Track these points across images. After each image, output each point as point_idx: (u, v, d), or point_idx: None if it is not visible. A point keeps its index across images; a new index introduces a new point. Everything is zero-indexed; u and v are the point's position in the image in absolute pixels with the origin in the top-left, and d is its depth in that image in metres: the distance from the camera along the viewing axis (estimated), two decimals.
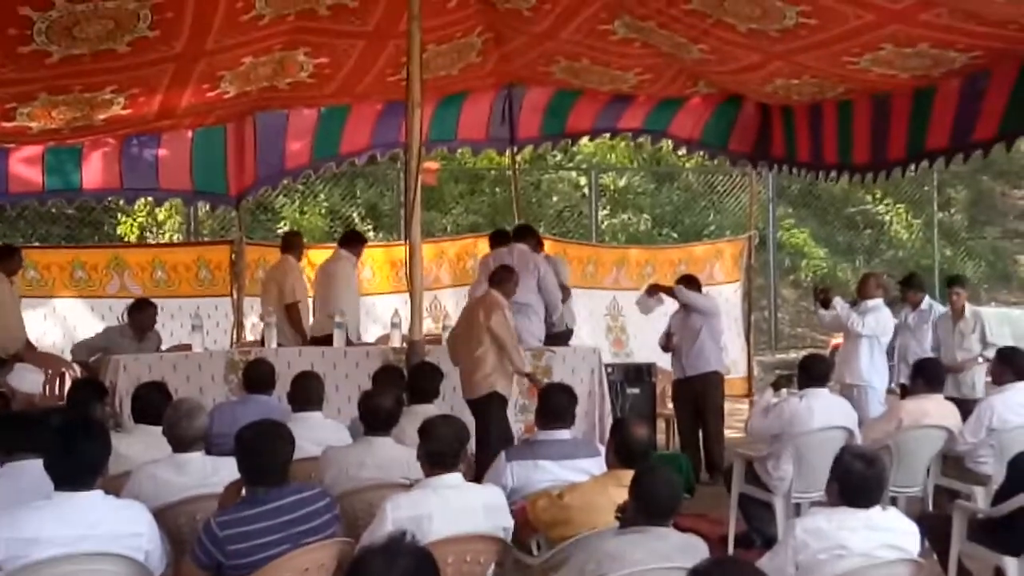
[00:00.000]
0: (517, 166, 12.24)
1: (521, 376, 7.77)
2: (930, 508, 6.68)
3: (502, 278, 7.82)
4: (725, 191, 18.94)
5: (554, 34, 8.43)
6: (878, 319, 8.81)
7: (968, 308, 9.23)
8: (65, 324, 9.95)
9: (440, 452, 4.34)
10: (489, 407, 7.44)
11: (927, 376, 6.89)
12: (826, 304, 9.07)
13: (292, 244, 9.81)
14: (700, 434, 8.99)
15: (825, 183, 13.97)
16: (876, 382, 8.75)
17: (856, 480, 4.08)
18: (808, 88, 8.91)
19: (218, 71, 7.91)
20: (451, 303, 11.80)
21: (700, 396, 8.92)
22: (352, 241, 9.80)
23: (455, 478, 4.32)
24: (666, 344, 9.17)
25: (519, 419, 8.14)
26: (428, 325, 10.42)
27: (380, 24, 7.74)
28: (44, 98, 7.47)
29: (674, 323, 9.16)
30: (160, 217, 15.96)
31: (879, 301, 8.96)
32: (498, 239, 9.58)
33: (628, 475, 4.30)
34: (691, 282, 9.35)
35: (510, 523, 4.41)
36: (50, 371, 8.66)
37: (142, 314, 8.50)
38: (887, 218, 21.38)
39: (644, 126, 11.09)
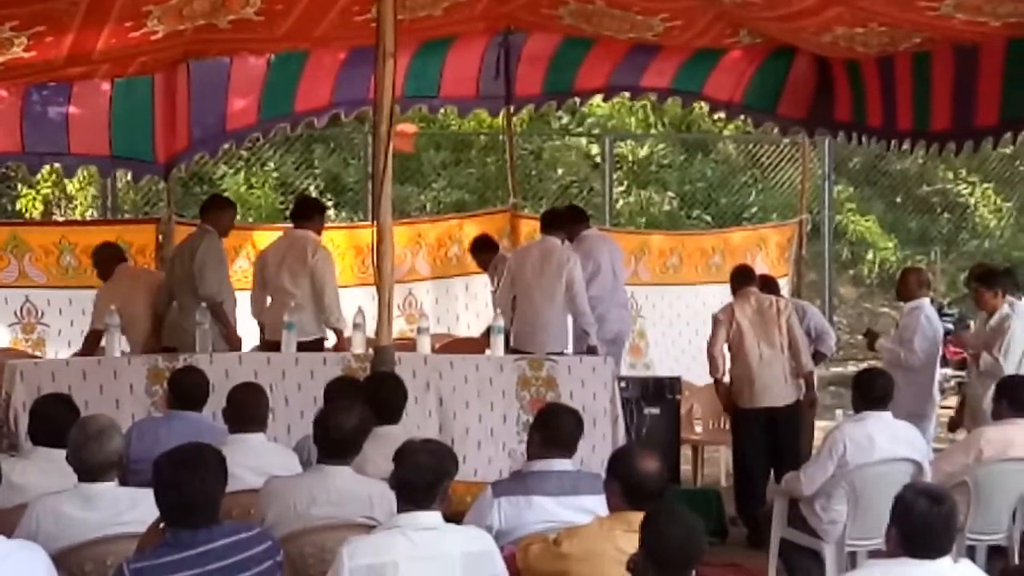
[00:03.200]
0: (513, 130, 12.25)
1: None
2: (1015, 560, 6.69)
3: None
4: (771, 164, 18.93)
5: None
6: (924, 335, 8.85)
7: None
8: None
9: (410, 483, 4.33)
10: None
11: (1013, 397, 6.89)
12: (872, 347, 9.21)
13: (218, 213, 9.36)
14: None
15: (896, 155, 13.93)
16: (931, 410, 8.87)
17: (919, 523, 4.08)
18: (876, 38, 8.90)
19: (144, 5, 7.87)
20: (429, 300, 11.80)
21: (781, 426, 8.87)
22: (310, 213, 9.63)
23: (431, 518, 4.32)
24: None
25: (522, 439, 8.10)
26: (400, 326, 10.42)
27: None
28: None
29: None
30: (70, 189, 15.93)
31: (922, 302, 9.01)
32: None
33: (639, 518, 4.30)
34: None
35: (500, 571, 4.41)
36: None
37: None
38: (971, 200, 21.38)
39: (673, 85, 11.10)
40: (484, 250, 10.83)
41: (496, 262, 10.47)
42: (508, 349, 8.78)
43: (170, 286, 9.11)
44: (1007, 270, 10.25)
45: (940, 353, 9.28)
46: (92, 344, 8.94)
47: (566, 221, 9.87)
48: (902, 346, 8.93)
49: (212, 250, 8.90)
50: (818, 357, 9.07)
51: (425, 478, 4.33)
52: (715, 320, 9.01)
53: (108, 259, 9.58)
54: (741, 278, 9.17)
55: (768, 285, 9.48)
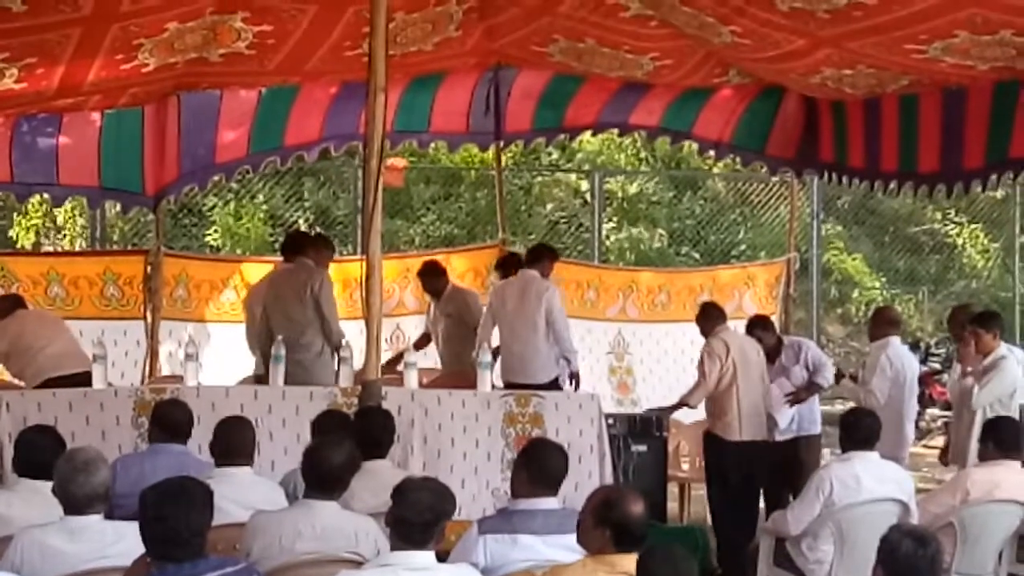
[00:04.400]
0: (503, 165, 12.28)
1: None
2: None
3: None
4: (760, 203, 19.03)
5: (552, 7, 8.47)
6: (883, 374, 8.89)
7: None
8: None
9: (408, 521, 4.32)
10: None
11: (1000, 438, 6.90)
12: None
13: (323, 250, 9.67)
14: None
15: (883, 196, 13.98)
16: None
17: (904, 564, 4.10)
18: (864, 80, 8.95)
19: (135, 38, 7.90)
20: (416, 334, 11.80)
21: (792, 462, 8.93)
22: (307, 246, 9.57)
23: (424, 558, 4.32)
24: None
25: (507, 477, 8.07)
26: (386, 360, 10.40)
27: None
28: None
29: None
30: (60, 219, 15.93)
31: (888, 340, 9.06)
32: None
33: (623, 560, 4.31)
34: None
35: None
36: None
37: None
38: (959, 241, 21.46)
39: (662, 124, 11.15)
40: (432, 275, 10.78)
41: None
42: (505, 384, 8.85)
43: (270, 322, 9.14)
44: (995, 313, 10.28)
45: (910, 391, 9.23)
46: None
47: (545, 256, 10.01)
48: (861, 387, 8.97)
49: (329, 289, 9.17)
50: (814, 388, 9.07)
51: (424, 516, 4.32)
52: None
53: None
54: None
55: (763, 324, 9.43)
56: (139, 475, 5.85)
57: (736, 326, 10.16)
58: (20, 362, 9.04)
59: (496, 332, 9.79)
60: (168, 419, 6.48)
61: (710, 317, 9.27)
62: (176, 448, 6.32)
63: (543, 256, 10.00)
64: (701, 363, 8.99)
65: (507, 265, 10.56)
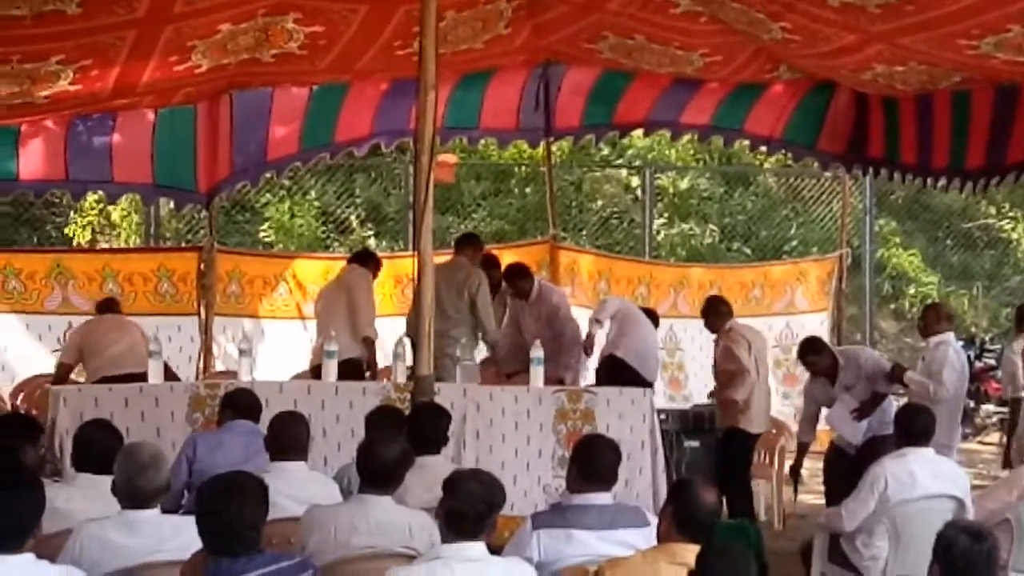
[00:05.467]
0: (553, 161, 12.28)
1: None
2: None
3: None
4: (812, 198, 18.92)
5: (602, 4, 8.46)
6: (952, 368, 8.80)
7: None
8: None
9: (460, 513, 4.33)
10: None
11: None
12: (900, 382, 9.08)
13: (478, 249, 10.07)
14: None
15: (938, 190, 13.90)
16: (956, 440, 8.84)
17: (961, 561, 4.08)
18: (915, 76, 8.90)
19: (189, 40, 7.97)
20: None
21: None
22: (367, 259, 10.04)
23: (476, 550, 4.32)
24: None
25: (558, 474, 8.14)
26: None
27: None
28: None
29: (822, 393, 8.92)
30: (114, 216, 16.08)
31: (947, 336, 8.97)
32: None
33: (685, 550, 4.31)
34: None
35: None
36: None
37: None
38: (1013, 236, 21.27)
39: (714, 122, 11.13)
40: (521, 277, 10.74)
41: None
42: None
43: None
44: None
45: (966, 386, 9.19)
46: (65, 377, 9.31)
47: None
48: (931, 379, 8.88)
49: (487, 289, 9.50)
50: (878, 399, 8.90)
51: (476, 508, 4.32)
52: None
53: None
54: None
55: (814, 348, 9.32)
56: (216, 444, 6.09)
57: (789, 322, 10.18)
58: (90, 362, 9.24)
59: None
60: (240, 402, 6.72)
61: (720, 314, 9.45)
62: (249, 424, 6.49)
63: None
64: (731, 357, 9.02)
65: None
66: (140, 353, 9.19)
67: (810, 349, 8.99)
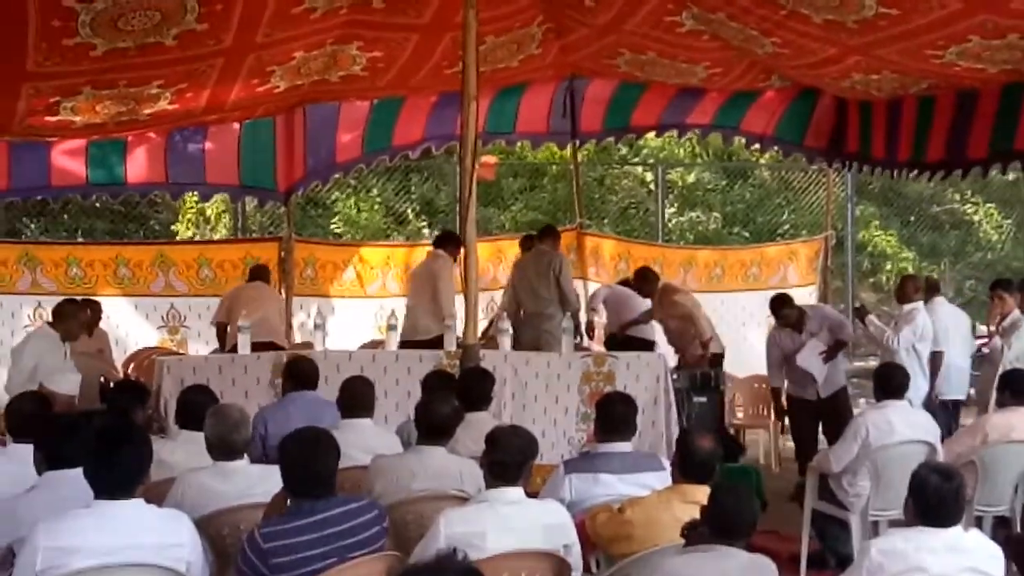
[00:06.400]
0: (579, 160, 12.25)
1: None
2: (1018, 529, 6.59)
3: None
4: (801, 188, 18.80)
5: (618, 26, 8.41)
6: (913, 328, 8.76)
7: None
8: (108, 323, 10.09)
9: (503, 463, 4.34)
10: None
11: (1015, 388, 6.80)
12: (862, 320, 9.10)
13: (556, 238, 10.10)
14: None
15: (908, 180, 13.81)
16: (913, 394, 8.73)
17: (932, 496, 4.06)
18: (889, 83, 8.81)
19: (268, 65, 8.00)
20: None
21: (832, 414, 8.71)
22: (449, 241, 9.87)
23: (516, 493, 4.33)
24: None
25: (580, 428, 8.15)
26: (484, 327, 10.46)
27: (436, 16, 7.77)
28: (88, 92, 7.58)
29: (790, 342, 8.90)
30: (209, 213, 16.19)
31: (916, 305, 8.94)
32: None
33: (694, 490, 4.32)
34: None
35: (573, 539, 4.41)
36: (102, 377, 8.83)
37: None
38: (975, 218, 21.09)
39: (714, 122, 11.04)
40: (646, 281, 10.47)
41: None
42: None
43: (519, 296, 9.71)
44: (1002, 279, 10.14)
45: (928, 344, 9.08)
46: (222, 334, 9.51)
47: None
48: (892, 329, 8.85)
49: (568, 268, 9.75)
50: (840, 344, 8.89)
51: (515, 458, 4.34)
52: None
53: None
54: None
55: (785, 301, 9.23)
56: (285, 419, 5.99)
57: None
58: (231, 326, 9.22)
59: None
60: (299, 371, 6.64)
61: (649, 280, 10.02)
62: (308, 394, 6.44)
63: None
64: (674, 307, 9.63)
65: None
66: (271, 325, 9.24)
67: (783, 303, 8.99)
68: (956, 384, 9.32)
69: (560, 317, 9.03)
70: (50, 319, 8.22)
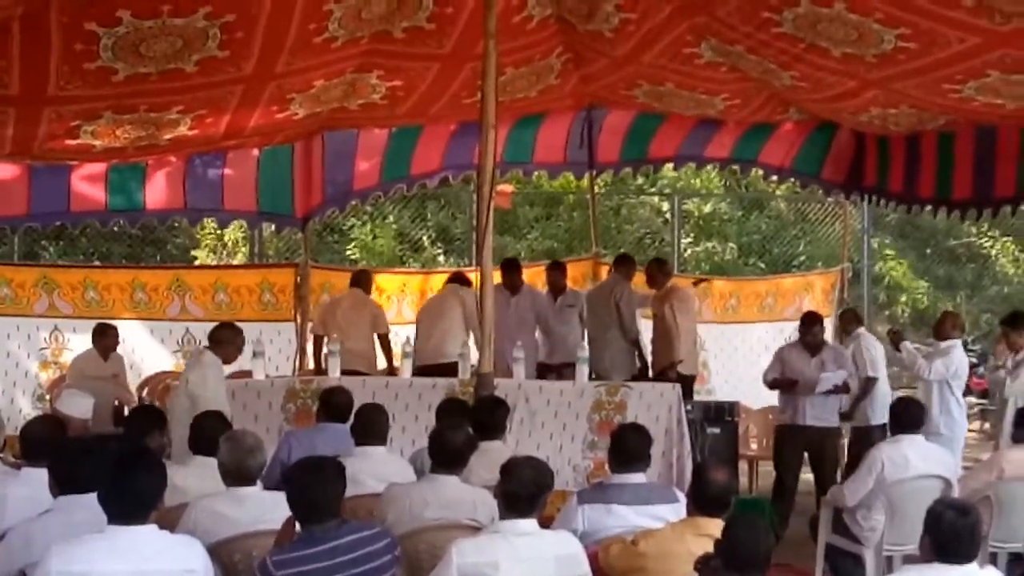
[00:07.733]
0: (596, 190, 12.26)
1: None
2: None
3: None
4: (817, 220, 18.78)
5: (637, 57, 8.43)
6: (948, 363, 8.76)
7: None
8: (123, 347, 10.11)
9: (515, 494, 4.33)
10: None
11: None
12: (896, 346, 9.08)
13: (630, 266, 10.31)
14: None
15: (923, 214, 13.82)
16: (946, 429, 8.64)
17: (947, 532, 4.02)
18: (906, 118, 8.81)
19: (288, 93, 8.03)
20: None
21: (818, 447, 8.64)
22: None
23: (529, 525, 4.31)
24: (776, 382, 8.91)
25: (587, 456, 8.14)
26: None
27: (457, 46, 7.80)
28: (109, 116, 7.61)
29: (800, 361, 8.78)
30: (226, 238, 16.25)
31: (954, 343, 8.94)
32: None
33: (708, 523, 4.30)
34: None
35: (586, 570, 4.38)
36: (116, 400, 8.85)
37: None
38: (992, 252, 21.03)
39: (733, 154, 11.09)
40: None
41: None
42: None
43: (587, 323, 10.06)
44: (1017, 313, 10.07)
45: (963, 381, 9.10)
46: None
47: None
48: (927, 359, 8.82)
49: (630, 294, 9.92)
50: (846, 388, 8.86)
51: (529, 489, 4.32)
52: None
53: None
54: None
55: (819, 321, 9.22)
56: (310, 447, 5.95)
57: (797, 327, 9.99)
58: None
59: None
60: (334, 403, 6.56)
61: (667, 273, 10.04)
62: (339, 428, 6.35)
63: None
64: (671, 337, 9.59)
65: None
66: (363, 353, 9.44)
67: (817, 321, 8.90)
68: None
69: (622, 343, 9.40)
70: (207, 344, 7.95)
